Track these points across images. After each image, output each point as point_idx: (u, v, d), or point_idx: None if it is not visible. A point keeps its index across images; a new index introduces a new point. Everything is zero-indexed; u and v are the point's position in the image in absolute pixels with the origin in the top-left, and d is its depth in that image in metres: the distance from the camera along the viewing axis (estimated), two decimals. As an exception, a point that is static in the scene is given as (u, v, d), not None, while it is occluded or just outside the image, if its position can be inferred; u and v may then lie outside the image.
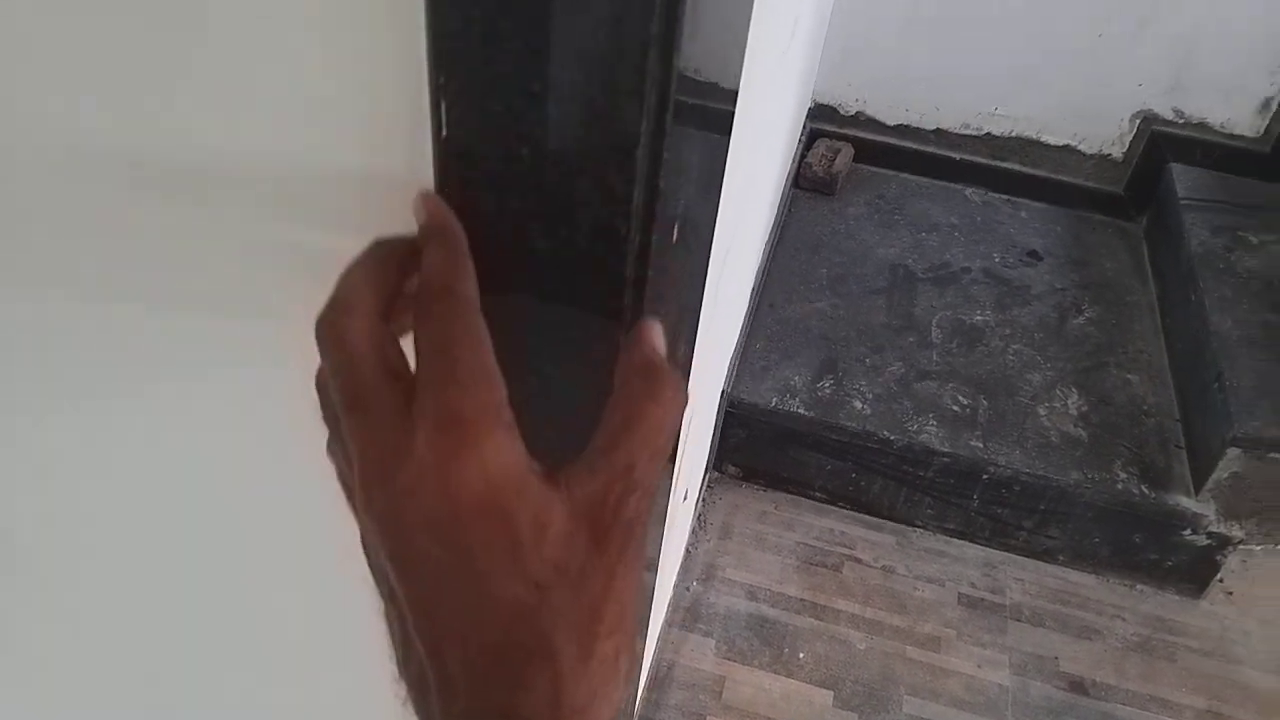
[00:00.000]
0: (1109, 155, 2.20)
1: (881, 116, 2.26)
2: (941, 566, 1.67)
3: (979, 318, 1.91)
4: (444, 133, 0.32)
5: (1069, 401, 1.76)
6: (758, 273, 1.85)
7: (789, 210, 2.11)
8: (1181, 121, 2.11)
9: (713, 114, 0.43)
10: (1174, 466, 1.66)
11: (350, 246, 0.33)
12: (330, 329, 0.30)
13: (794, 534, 1.69)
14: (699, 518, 1.69)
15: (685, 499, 1.36)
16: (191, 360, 0.47)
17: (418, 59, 0.31)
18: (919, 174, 2.26)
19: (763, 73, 0.96)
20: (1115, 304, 1.98)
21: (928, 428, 1.68)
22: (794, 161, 2.15)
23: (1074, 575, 1.69)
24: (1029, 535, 1.69)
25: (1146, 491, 1.62)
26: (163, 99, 0.37)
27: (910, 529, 1.73)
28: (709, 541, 1.66)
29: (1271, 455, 1.55)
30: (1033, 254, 2.09)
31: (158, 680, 0.68)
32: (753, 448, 1.73)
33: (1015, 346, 1.86)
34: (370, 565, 0.31)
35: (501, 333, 0.36)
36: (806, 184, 2.16)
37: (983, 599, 1.63)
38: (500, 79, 0.30)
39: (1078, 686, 1.51)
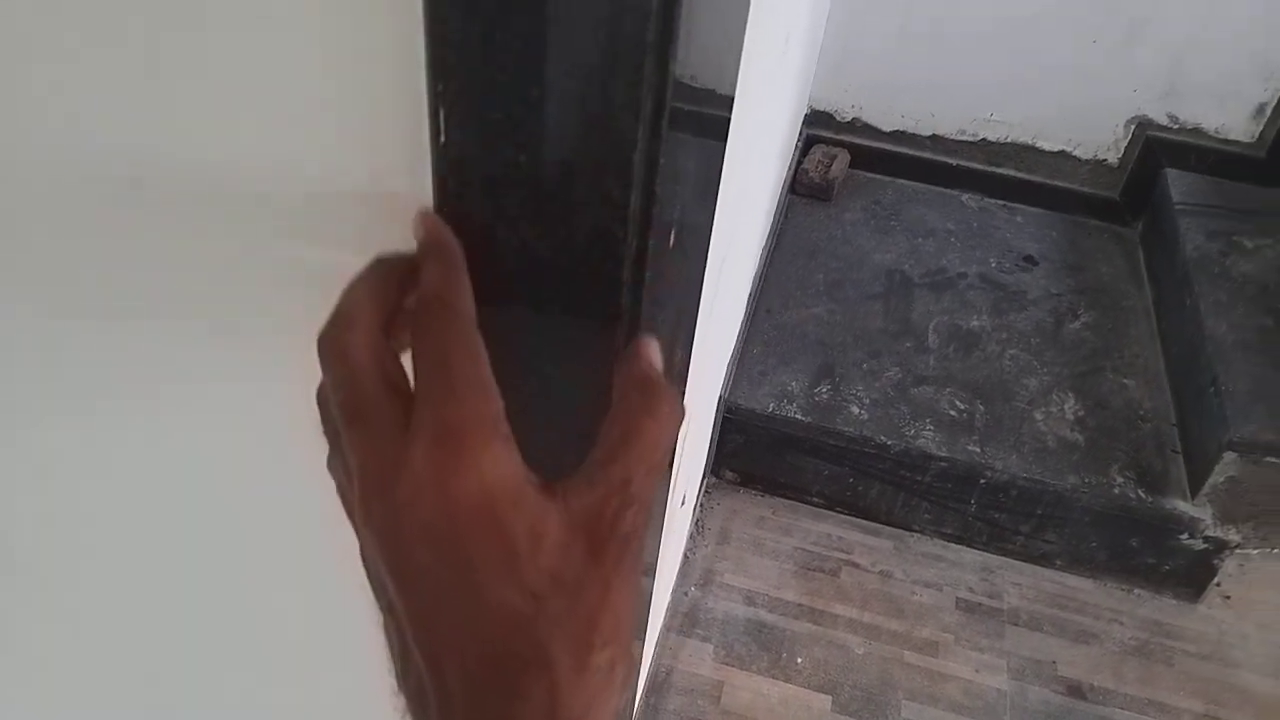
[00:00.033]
0: (1104, 160, 2.21)
1: (877, 122, 2.27)
2: (939, 571, 1.67)
3: (975, 323, 1.92)
4: (442, 139, 0.32)
5: (1065, 406, 1.76)
6: (755, 278, 1.85)
7: (786, 216, 2.12)
8: (1176, 127, 2.12)
9: (709, 120, 0.43)
10: (1170, 471, 1.66)
11: (349, 258, 0.33)
12: (332, 343, 0.31)
13: (791, 539, 1.69)
14: (697, 523, 1.70)
15: (683, 504, 1.36)
16: (192, 370, 0.48)
17: (417, 67, 0.31)
18: (915, 180, 2.26)
19: (759, 79, 0.96)
20: (1111, 309, 1.99)
21: (925, 432, 1.68)
22: (790, 168, 2.16)
23: (1071, 579, 1.69)
24: (1026, 540, 1.69)
25: (1143, 496, 1.62)
26: (163, 112, 0.37)
27: (908, 534, 1.73)
28: (707, 547, 1.67)
29: (1268, 459, 1.55)
30: (1029, 259, 2.10)
31: (156, 685, 0.68)
32: (750, 453, 1.74)
33: (1012, 351, 1.86)
34: (369, 578, 0.32)
35: (499, 339, 0.36)
36: (803, 190, 2.17)
37: (980, 603, 1.63)
38: (498, 86, 0.31)
39: (1075, 691, 1.52)
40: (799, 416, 1.68)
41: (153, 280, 0.44)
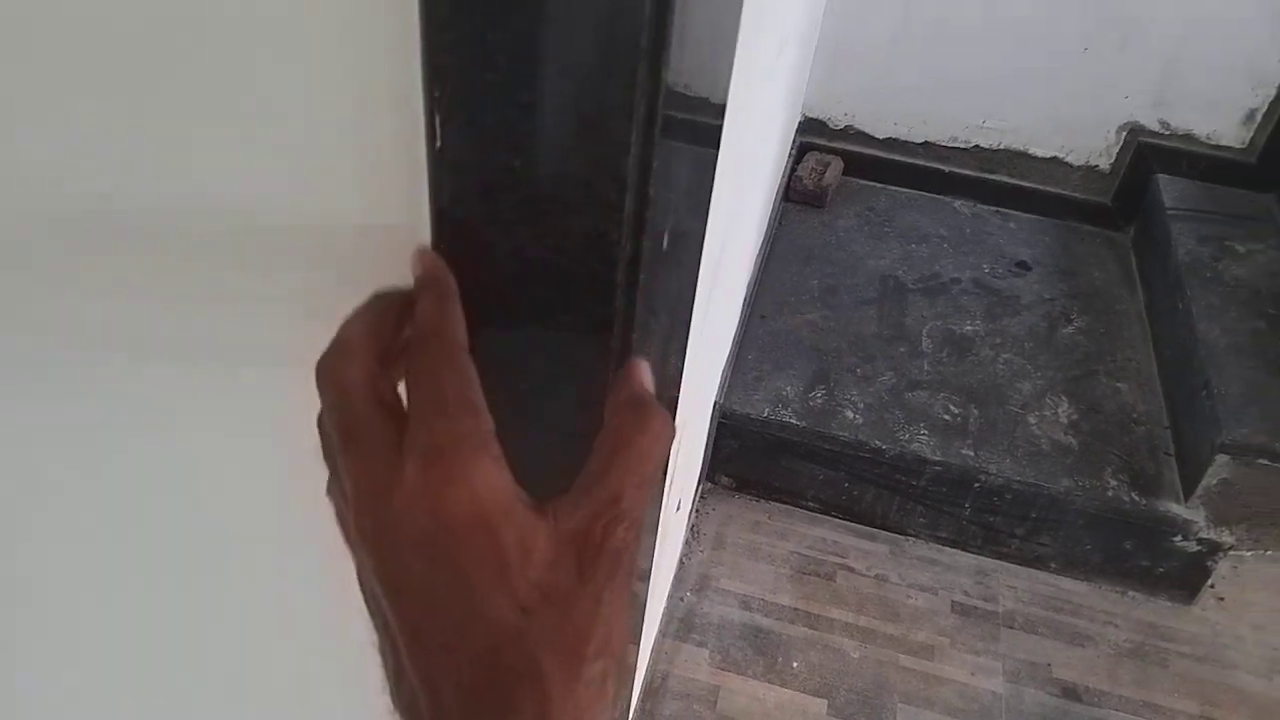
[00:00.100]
0: (1096, 167, 2.22)
1: (870, 130, 2.28)
2: (934, 575, 1.68)
3: (969, 328, 1.92)
4: (439, 144, 0.33)
5: (1059, 410, 1.77)
6: (749, 284, 1.86)
7: (780, 223, 2.13)
8: (1167, 133, 2.13)
9: (701, 128, 0.44)
10: (1164, 473, 1.67)
11: (347, 288, 0.34)
12: (328, 370, 0.32)
13: (787, 543, 1.70)
14: (692, 528, 1.70)
15: (678, 510, 1.37)
16: (191, 398, 0.48)
17: (412, 74, 0.32)
18: (908, 186, 2.27)
19: (752, 88, 0.97)
20: (1104, 313, 2.00)
21: (919, 437, 1.69)
22: (784, 175, 2.17)
23: (1066, 582, 1.69)
24: (1021, 543, 1.70)
25: (1137, 498, 1.63)
26: (159, 135, 0.38)
27: (903, 538, 1.74)
28: (702, 552, 1.67)
29: (1260, 461, 1.56)
30: (1022, 264, 2.11)
31: (150, 706, 0.68)
32: (745, 458, 1.74)
33: (1005, 356, 1.87)
34: (364, 598, 0.32)
35: (494, 343, 0.37)
36: (797, 197, 2.18)
37: (975, 607, 1.63)
38: (493, 91, 0.31)
39: (1071, 693, 1.52)
40: (794, 421, 1.69)
41: (148, 308, 0.44)
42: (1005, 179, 2.26)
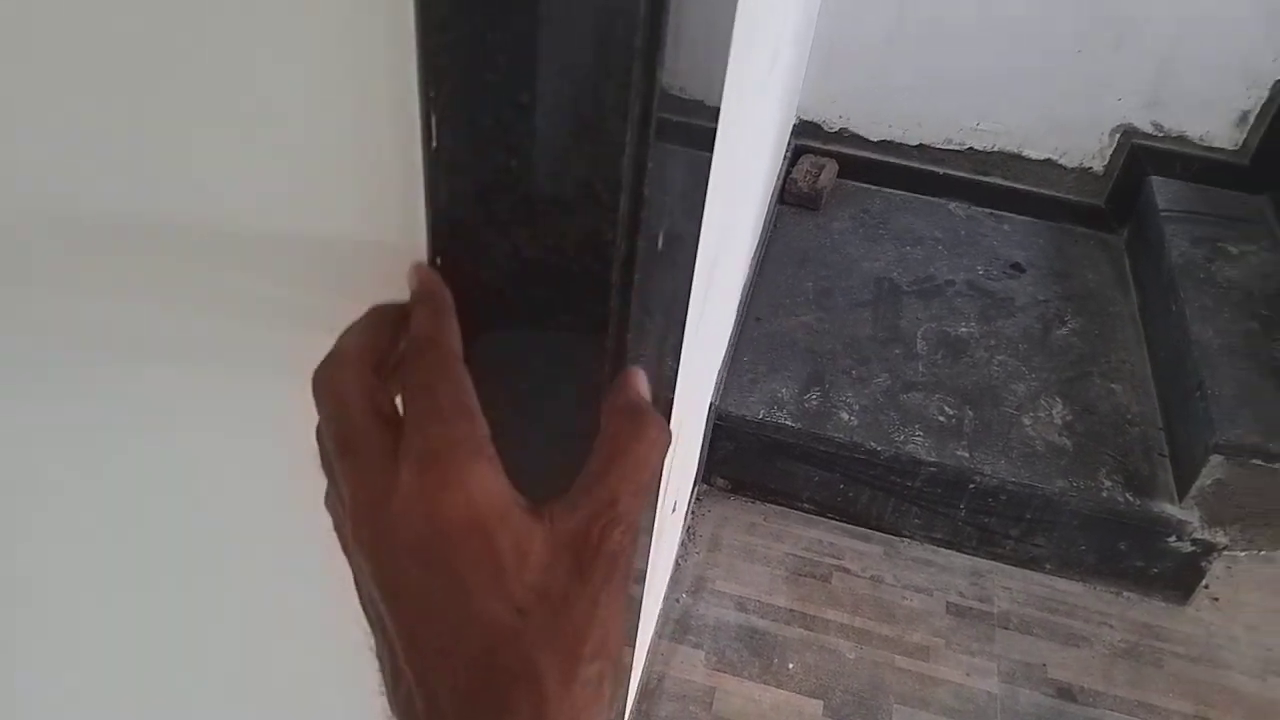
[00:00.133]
0: (1090, 169, 2.23)
1: (865, 132, 2.29)
2: (929, 576, 1.68)
3: (964, 329, 1.93)
4: (434, 144, 0.33)
5: (1053, 411, 1.77)
6: (744, 286, 1.86)
7: (775, 225, 2.13)
8: (1161, 135, 2.14)
9: (696, 131, 0.44)
10: (1158, 474, 1.68)
11: (345, 300, 0.34)
12: (324, 380, 0.33)
13: (783, 545, 1.70)
14: (688, 530, 1.70)
15: (674, 511, 1.37)
16: (189, 407, 0.48)
17: (408, 75, 0.32)
18: (902, 189, 2.28)
19: (746, 91, 0.97)
20: (1098, 315, 2.00)
21: (914, 438, 1.69)
22: (779, 177, 2.17)
23: (1061, 583, 1.70)
24: (1016, 544, 1.70)
25: (1131, 499, 1.63)
26: (159, 140, 0.38)
27: (898, 539, 1.74)
28: (698, 554, 1.67)
29: (1254, 462, 1.57)
30: (1016, 266, 2.12)
31: (147, 703, 0.68)
32: (741, 460, 1.74)
33: (1000, 357, 1.88)
34: (362, 602, 0.33)
35: (490, 344, 0.37)
36: (792, 199, 2.19)
37: (971, 607, 1.64)
38: (489, 91, 0.31)
39: (1066, 693, 1.52)
40: (789, 423, 1.69)
41: (148, 309, 0.44)
42: (999, 181, 2.26)
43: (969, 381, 1.81)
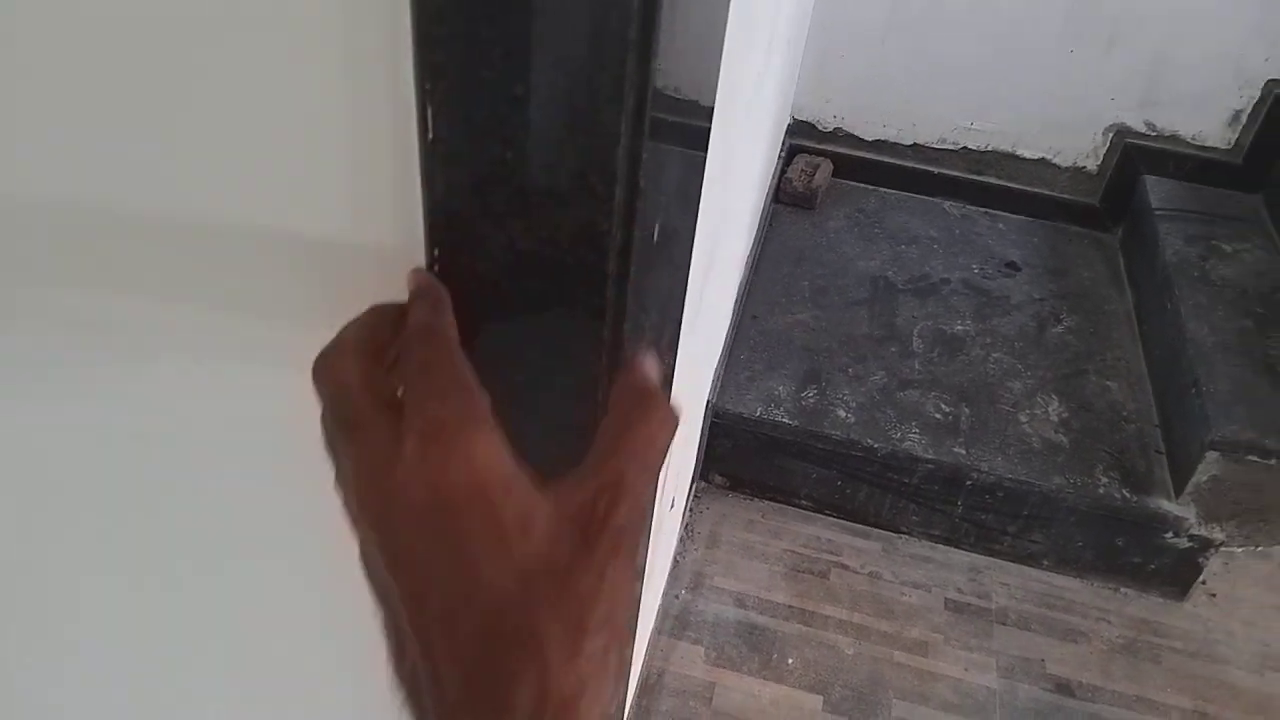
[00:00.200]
0: (1084, 168, 2.24)
1: (859, 132, 2.30)
2: (927, 572, 1.69)
3: (959, 327, 1.94)
4: (430, 136, 0.34)
5: (1050, 408, 1.78)
6: (740, 285, 1.87)
7: (770, 224, 2.14)
8: (1154, 134, 2.15)
9: (690, 130, 0.44)
10: (1154, 471, 1.68)
11: (343, 295, 0.35)
12: (325, 368, 0.33)
13: (781, 542, 1.71)
14: (686, 527, 1.71)
15: (672, 507, 1.37)
16: (191, 400, 0.49)
17: (404, 67, 0.33)
18: (897, 188, 2.29)
19: (740, 90, 0.98)
20: (1093, 313, 2.01)
21: (911, 435, 1.70)
22: (774, 177, 2.18)
23: (1058, 579, 1.71)
24: (1013, 540, 1.71)
25: (1128, 496, 1.64)
26: (158, 136, 0.38)
27: (896, 535, 1.75)
28: (697, 550, 1.68)
29: (1249, 458, 1.58)
30: (1011, 265, 2.13)
31: (151, 690, 0.69)
32: (739, 457, 1.75)
33: (996, 355, 1.88)
34: (368, 576, 0.33)
35: (488, 335, 0.38)
36: (787, 199, 2.19)
37: (969, 603, 1.64)
38: (484, 84, 0.32)
39: (1064, 688, 1.53)
40: (786, 421, 1.70)
41: (148, 306, 0.45)
42: (994, 180, 2.27)
43: (965, 379, 1.82)
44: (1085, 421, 1.76)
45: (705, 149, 0.54)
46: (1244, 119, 2.08)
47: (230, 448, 0.51)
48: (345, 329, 0.34)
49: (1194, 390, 1.65)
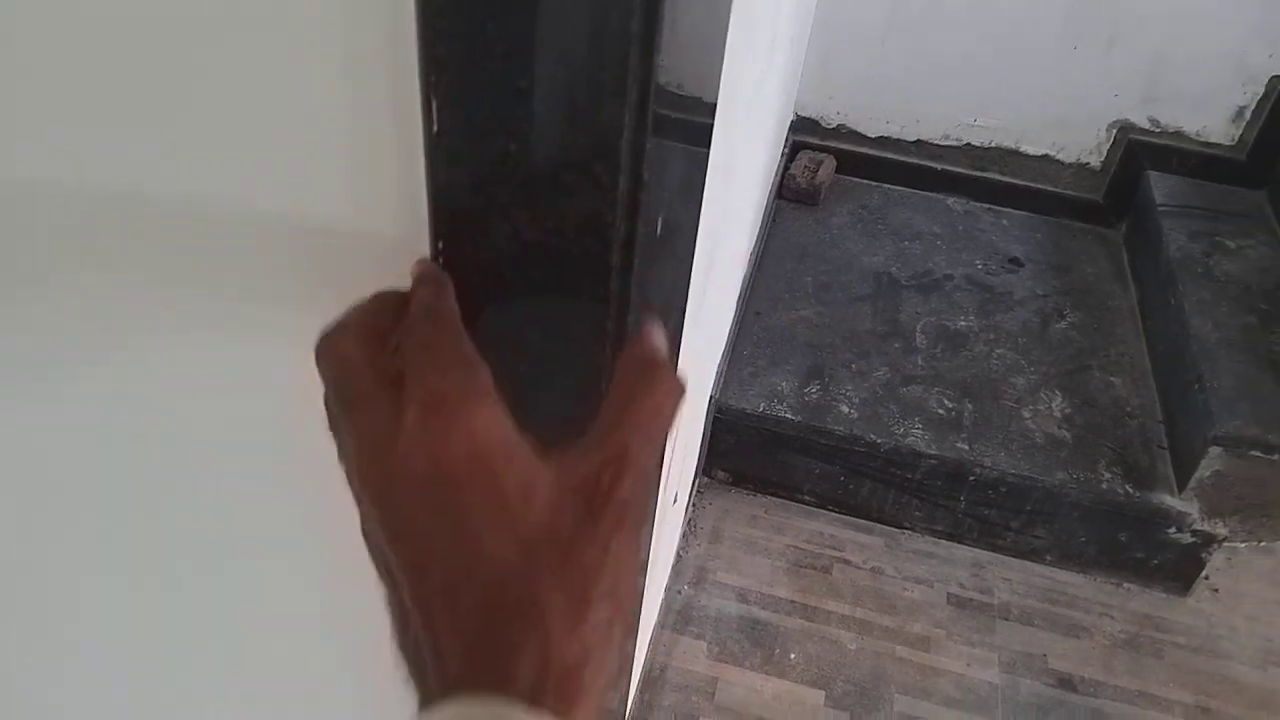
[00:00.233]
0: (1087, 164, 2.24)
1: (863, 129, 2.30)
2: (930, 567, 1.69)
3: (963, 323, 1.94)
4: (435, 129, 0.34)
5: (1053, 404, 1.78)
6: (744, 281, 1.87)
7: (774, 221, 2.14)
8: (1158, 130, 2.15)
9: (693, 127, 0.45)
10: (1158, 466, 1.68)
11: (342, 285, 0.35)
12: (327, 347, 0.33)
13: (783, 537, 1.71)
14: (689, 523, 1.71)
15: (675, 502, 1.38)
16: (192, 400, 0.49)
17: (409, 61, 0.33)
18: (901, 184, 2.29)
19: (743, 82, 0.98)
20: (1096, 309, 2.01)
21: (914, 431, 1.70)
22: (777, 173, 2.18)
23: (1061, 574, 1.71)
24: (1016, 535, 1.71)
25: (1131, 491, 1.64)
26: (157, 122, 0.39)
27: (899, 531, 1.75)
28: (699, 546, 1.68)
29: (1252, 453, 1.58)
30: (1014, 261, 2.13)
31: (149, 686, 0.69)
32: (741, 453, 1.75)
33: (999, 351, 1.88)
34: (370, 550, 0.33)
35: (493, 327, 0.38)
36: (790, 195, 2.19)
37: (971, 599, 1.65)
38: (488, 77, 0.32)
39: (1066, 683, 1.53)
40: (789, 416, 1.70)
41: (149, 294, 0.45)
42: (997, 176, 2.27)
43: (968, 375, 1.82)
44: (1088, 417, 1.76)
45: (708, 145, 0.54)
46: (1248, 115, 2.08)
47: (230, 448, 0.51)
48: (349, 311, 0.34)
49: (1197, 386, 1.65)
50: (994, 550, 1.73)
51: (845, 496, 1.74)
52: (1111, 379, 1.84)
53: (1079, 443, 1.71)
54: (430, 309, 0.34)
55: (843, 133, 2.30)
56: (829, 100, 2.27)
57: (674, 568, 1.62)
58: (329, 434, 0.34)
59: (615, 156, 0.34)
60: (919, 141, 2.27)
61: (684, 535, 1.68)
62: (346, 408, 0.32)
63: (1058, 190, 2.26)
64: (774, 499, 1.77)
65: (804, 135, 2.30)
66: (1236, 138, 2.11)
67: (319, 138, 0.38)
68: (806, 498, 1.76)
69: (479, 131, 0.34)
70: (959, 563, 1.71)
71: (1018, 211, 2.26)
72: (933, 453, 1.67)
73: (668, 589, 1.58)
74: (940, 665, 1.54)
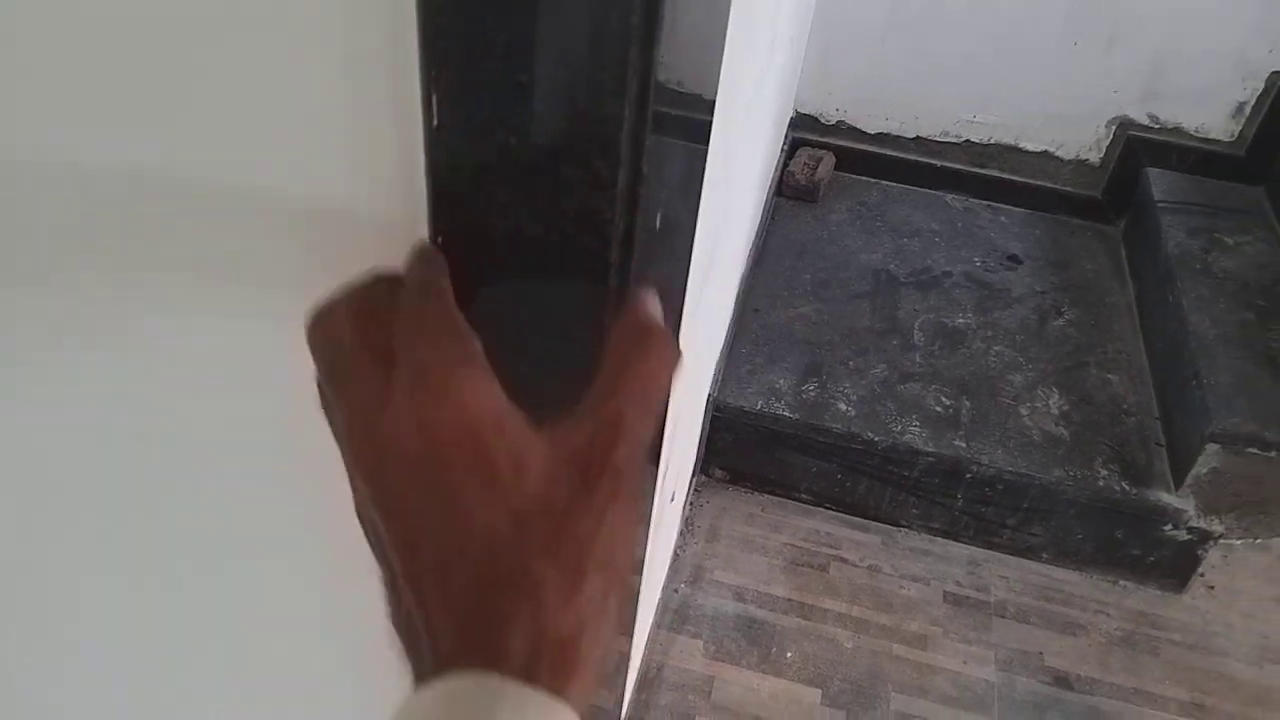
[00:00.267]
0: (1086, 160, 2.24)
1: (862, 125, 2.29)
2: (927, 565, 1.69)
3: (961, 320, 1.94)
4: (435, 124, 0.34)
5: (1050, 401, 1.78)
6: (742, 278, 1.87)
7: (773, 218, 2.14)
8: (1157, 127, 2.15)
9: (692, 124, 0.44)
10: (1154, 463, 1.68)
11: (342, 262, 0.35)
12: (317, 323, 0.33)
13: (781, 535, 1.71)
14: (686, 521, 1.71)
15: (672, 501, 1.37)
16: (191, 400, 0.49)
17: (410, 56, 0.33)
18: (900, 181, 2.29)
19: (742, 84, 0.98)
20: (1095, 305, 2.01)
21: (911, 428, 1.70)
22: (776, 170, 2.18)
23: (1057, 572, 1.71)
24: (1013, 533, 1.71)
25: (1127, 488, 1.64)
26: (157, 106, 0.38)
27: (895, 529, 1.75)
28: (696, 544, 1.68)
29: (1249, 450, 1.58)
30: (1013, 258, 2.12)
31: (149, 686, 0.69)
32: (739, 451, 1.75)
33: (997, 348, 1.88)
34: (363, 526, 0.32)
35: (490, 321, 0.38)
36: (789, 192, 2.19)
37: (968, 596, 1.65)
38: (488, 72, 0.32)
39: (1063, 681, 1.53)
40: (787, 414, 1.70)
41: (147, 275, 0.44)
42: (996, 173, 2.27)
43: (966, 372, 1.82)
44: (1086, 414, 1.76)
45: (707, 142, 0.54)
46: (1247, 111, 2.08)
47: (230, 448, 0.51)
48: (341, 288, 0.34)
49: (1195, 383, 1.65)
50: (990, 548, 1.73)
51: (842, 494, 1.74)
52: (1109, 376, 1.84)
53: (1076, 440, 1.71)
54: (424, 286, 0.33)
55: (842, 129, 2.30)
56: (828, 96, 2.27)
57: (671, 566, 1.61)
58: (325, 425, 0.34)
59: (615, 152, 0.33)
60: (918, 138, 2.27)
61: (681, 533, 1.68)
62: (338, 385, 0.32)
63: (1057, 187, 2.26)
64: (771, 497, 1.77)
65: (803, 132, 2.30)
66: (1236, 134, 2.11)
67: (318, 122, 0.37)
68: (804, 496, 1.76)
69: (479, 126, 0.34)
70: (955, 560, 1.71)
71: (1017, 208, 2.26)
72: (930, 450, 1.67)
73: (665, 588, 1.58)
74: (937, 663, 1.54)
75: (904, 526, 1.75)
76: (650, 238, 0.39)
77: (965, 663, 1.54)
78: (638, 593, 1.01)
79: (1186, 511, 1.62)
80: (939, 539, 1.74)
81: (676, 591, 1.60)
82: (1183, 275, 1.86)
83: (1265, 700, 1.53)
